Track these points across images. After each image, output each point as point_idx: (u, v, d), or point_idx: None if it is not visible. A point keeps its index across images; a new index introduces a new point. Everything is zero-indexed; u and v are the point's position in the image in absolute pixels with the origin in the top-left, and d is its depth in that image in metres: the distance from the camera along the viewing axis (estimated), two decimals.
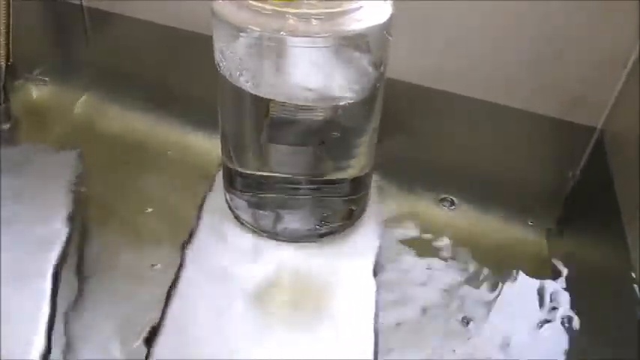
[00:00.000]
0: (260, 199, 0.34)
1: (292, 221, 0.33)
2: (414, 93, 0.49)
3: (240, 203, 0.34)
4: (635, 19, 0.40)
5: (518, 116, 0.46)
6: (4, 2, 0.44)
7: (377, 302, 0.31)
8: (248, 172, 0.33)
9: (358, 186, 0.34)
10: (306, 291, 0.31)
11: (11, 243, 0.33)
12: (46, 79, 0.48)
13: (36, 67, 0.49)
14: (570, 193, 0.40)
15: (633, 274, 0.33)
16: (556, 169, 0.43)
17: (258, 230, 0.34)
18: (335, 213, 0.34)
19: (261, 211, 0.34)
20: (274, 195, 0.33)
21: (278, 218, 0.33)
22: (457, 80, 0.48)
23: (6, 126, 0.43)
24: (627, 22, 0.41)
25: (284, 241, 0.33)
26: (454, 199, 0.38)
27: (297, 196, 0.32)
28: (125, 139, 0.42)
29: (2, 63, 0.46)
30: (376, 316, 0.30)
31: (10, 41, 0.46)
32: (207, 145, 0.41)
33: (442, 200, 0.38)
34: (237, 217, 0.35)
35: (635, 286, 0.32)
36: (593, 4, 0.41)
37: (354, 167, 0.33)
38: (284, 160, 0.32)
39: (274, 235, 0.33)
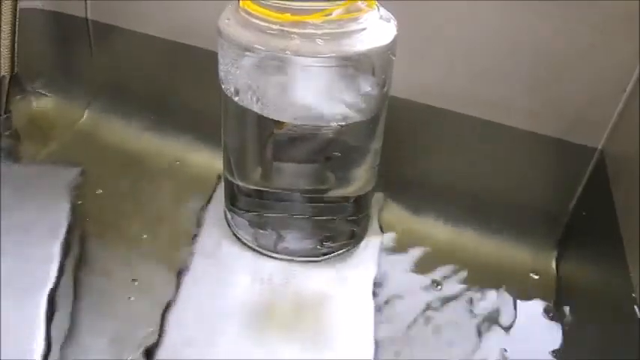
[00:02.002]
0: (262, 218, 0.33)
1: (293, 241, 0.33)
2: (414, 110, 0.49)
3: (241, 222, 0.34)
4: (635, 39, 0.41)
5: (519, 136, 0.47)
6: (9, 14, 0.45)
7: (375, 320, 0.31)
8: (250, 187, 0.33)
9: (360, 206, 0.34)
10: (305, 310, 0.31)
11: (10, 255, 0.33)
12: (49, 91, 0.49)
13: (39, 79, 0.50)
14: (571, 212, 0.40)
15: (634, 295, 0.33)
16: (556, 189, 0.43)
17: (259, 248, 0.34)
18: (336, 233, 0.34)
19: (262, 231, 0.34)
20: (276, 214, 0.33)
21: (279, 238, 0.33)
22: (457, 99, 0.48)
23: (6, 137, 0.43)
24: (627, 43, 0.41)
25: (284, 260, 0.33)
26: (454, 219, 0.38)
27: (298, 216, 0.32)
28: (126, 153, 0.42)
29: (6, 74, 0.47)
30: (375, 335, 0.30)
31: (15, 53, 0.46)
32: (209, 160, 0.41)
33: (442, 220, 0.38)
34: (237, 236, 0.35)
35: (636, 306, 0.32)
36: (594, 25, 0.41)
37: (356, 187, 0.33)
38: (287, 177, 0.32)
39: (275, 254, 0.33)
